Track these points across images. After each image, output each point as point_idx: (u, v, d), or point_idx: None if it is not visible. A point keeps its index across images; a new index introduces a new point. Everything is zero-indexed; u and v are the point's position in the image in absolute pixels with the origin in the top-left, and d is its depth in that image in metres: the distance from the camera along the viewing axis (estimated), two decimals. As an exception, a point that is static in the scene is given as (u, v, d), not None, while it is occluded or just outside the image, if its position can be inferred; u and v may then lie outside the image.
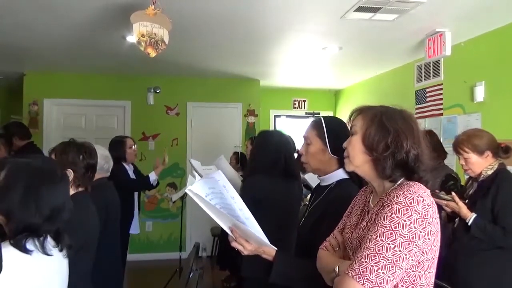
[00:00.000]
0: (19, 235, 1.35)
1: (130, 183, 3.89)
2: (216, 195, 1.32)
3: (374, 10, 3.13)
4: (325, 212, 1.60)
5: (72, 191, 1.92)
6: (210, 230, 5.45)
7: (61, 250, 1.47)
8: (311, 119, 7.72)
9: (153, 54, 2.70)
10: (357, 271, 1.07)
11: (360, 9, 3.10)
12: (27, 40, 4.09)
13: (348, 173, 1.55)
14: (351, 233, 1.29)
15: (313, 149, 1.68)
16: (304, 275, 1.41)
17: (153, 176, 3.99)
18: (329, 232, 1.40)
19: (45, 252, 1.37)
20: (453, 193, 2.41)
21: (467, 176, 2.64)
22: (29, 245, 1.34)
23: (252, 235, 1.36)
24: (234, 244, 1.42)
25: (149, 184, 4.01)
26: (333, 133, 1.65)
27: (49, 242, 1.42)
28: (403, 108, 1.28)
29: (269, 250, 1.44)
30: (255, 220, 1.34)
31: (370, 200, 1.31)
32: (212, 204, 1.30)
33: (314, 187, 2.04)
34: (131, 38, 3.74)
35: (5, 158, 1.53)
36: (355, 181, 1.54)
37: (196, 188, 1.29)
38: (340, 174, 1.65)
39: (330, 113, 7.14)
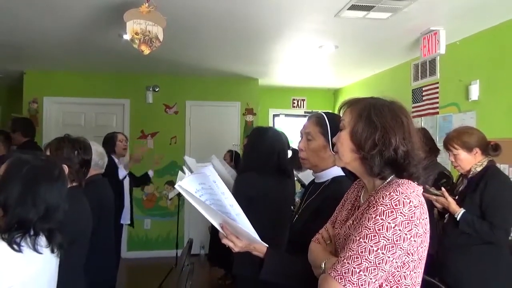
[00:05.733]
0: (13, 230, 1.38)
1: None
2: (206, 191, 1.29)
3: (367, 8, 3.15)
4: (319, 209, 1.59)
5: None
6: (208, 228, 5.47)
7: (52, 251, 1.48)
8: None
9: (147, 51, 2.73)
10: (339, 272, 1.06)
11: (353, 7, 3.12)
12: (26, 39, 4.13)
13: (343, 169, 1.51)
14: (340, 228, 1.27)
15: (315, 146, 1.67)
16: (294, 272, 1.39)
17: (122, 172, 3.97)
18: None
19: (35, 249, 1.40)
20: (443, 189, 2.42)
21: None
22: (20, 242, 1.36)
23: (242, 232, 1.34)
24: (224, 241, 1.39)
25: (117, 177, 3.85)
26: (335, 130, 1.63)
27: (42, 240, 1.44)
28: (393, 100, 1.22)
29: (260, 247, 1.40)
30: (245, 217, 1.32)
31: (361, 196, 1.28)
32: (202, 200, 1.28)
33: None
34: (127, 36, 3.77)
35: (9, 153, 1.57)
36: (351, 177, 1.49)
37: (185, 184, 1.27)
38: (335, 171, 1.65)
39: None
